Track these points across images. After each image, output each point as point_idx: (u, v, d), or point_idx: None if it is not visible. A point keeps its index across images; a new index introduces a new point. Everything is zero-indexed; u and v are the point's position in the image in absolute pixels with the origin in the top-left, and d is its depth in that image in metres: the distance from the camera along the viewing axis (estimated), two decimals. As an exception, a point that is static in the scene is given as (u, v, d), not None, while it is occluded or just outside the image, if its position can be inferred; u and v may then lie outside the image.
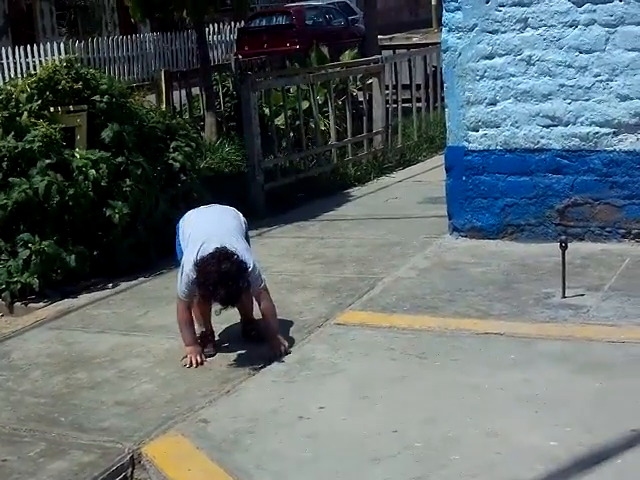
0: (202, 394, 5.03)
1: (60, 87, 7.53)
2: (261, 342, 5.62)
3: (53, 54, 24.23)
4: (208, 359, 5.52)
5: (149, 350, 5.78)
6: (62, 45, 25.43)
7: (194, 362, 5.43)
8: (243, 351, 5.59)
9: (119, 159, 7.45)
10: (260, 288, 5.45)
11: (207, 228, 5.52)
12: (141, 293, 7.04)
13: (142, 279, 7.34)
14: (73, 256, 7.10)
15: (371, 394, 4.83)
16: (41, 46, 25.05)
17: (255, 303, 5.70)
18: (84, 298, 7.00)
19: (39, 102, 7.54)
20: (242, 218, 5.82)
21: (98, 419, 4.84)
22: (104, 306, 6.79)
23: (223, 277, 5.11)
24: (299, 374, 5.18)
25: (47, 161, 7.17)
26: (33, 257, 6.97)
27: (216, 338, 5.75)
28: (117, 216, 7.24)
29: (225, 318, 5.89)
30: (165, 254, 7.46)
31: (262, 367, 5.32)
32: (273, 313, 5.54)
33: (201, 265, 5.20)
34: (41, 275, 6.99)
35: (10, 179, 7.15)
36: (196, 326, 5.70)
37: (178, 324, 5.56)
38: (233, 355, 5.55)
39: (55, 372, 5.55)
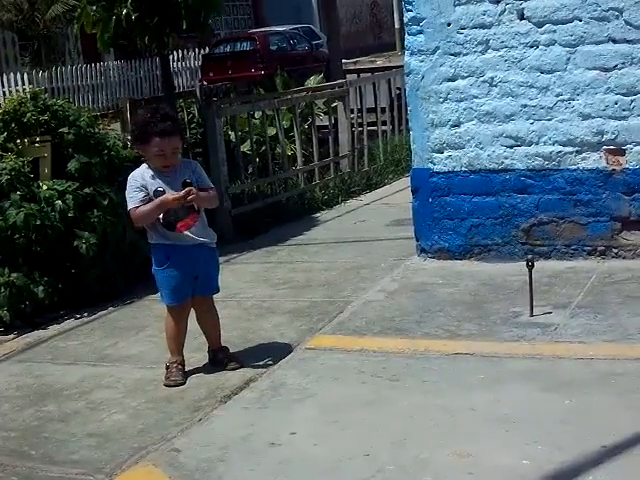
0: (173, 423, 5.01)
1: (25, 119, 7.52)
2: (234, 370, 5.64)
3: (16, 84, 24.16)
4: (179, 387, 5.50)
5: (119, 380, 5.75)
6: (25, 75, 25.35)
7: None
8: (214, 379, 5.57)
9: (86, 190, 7.43)
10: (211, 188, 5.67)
11: None
12: (109, 323, 7.01)
13: (110, 309, 7.31)
14: (41, 287, 7.07)
15: (342, 418, 4.83)
16: (4, 76, 24.96)
17: (220, 328, 5.81)
18: (53, 329, 6.97)
19: (4, 134, 7.53)
20: None
21: (69, 451, 4.81)
22: (73, 337, 6.76)
23: (159, 111, 5.45)
24: (270, 400, 5.17)
25: (19, 193, 7.16)
26: (2, 289, 6.94)
27: (186, 367, 5.73)
28: (84, 246, 7.22)
29: (196, 347, 5.89)
30: (133, 284, 7.47)
31: (233, 394, 5.31)
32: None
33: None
34: (11, 307, 6.97)
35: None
36: (167, 355, 5.71)
37: (140, 221, 5.58)
38: (204, 383, 5.53)
39: (25, 405, 5.51)
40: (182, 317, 5.71)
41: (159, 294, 5.79)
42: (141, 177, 5.50)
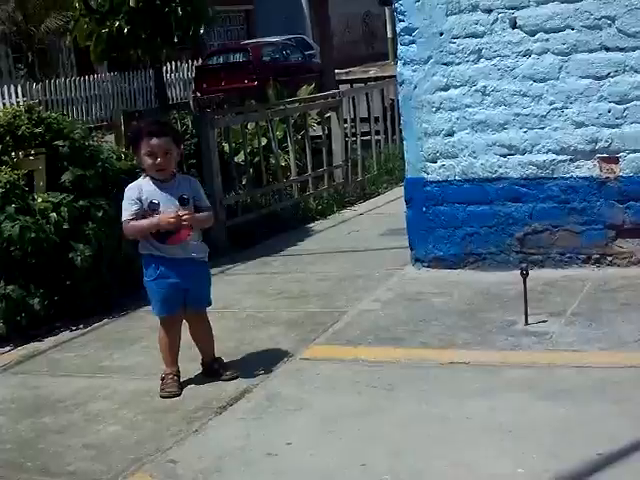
0: (170, 434, 5.01)
1: (20, 132, 7.52)
2: (231, 379, 5.65)
3: (10, 97, 24.19)
4: (175, 398, 5.50)
5: (115, 392, 5.75)
6: (20, 87, 25.37)
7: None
8: (209, 390, 5.57)
9: (81, 202, 7.43)
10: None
11: None
12: (105, 335, 7.01)
13: (106, 320, 7.31)
14: (37, 299, 7.07)
15: (338, 428, 4.83)
16: (-2, 89, 25.01)
17: (214, 340, 5.82)
18: (48, 341, 6.96)
19: (-1, 147, 7.55)
20: None
21: (65, 463, 4.80)
22: (68, 349, 6.75)
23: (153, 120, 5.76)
24: (266, 410, 5.17)
25: (14, 206, 7.16)
26: (-2, 302, 6.94)
27: (182, 378, 5.73)
28: (79, 258, 7.22)
29: (191, 358, 5.89)
30: (128, 295, 7.46)
31: (229, 405, 5.31)
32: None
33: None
34: (6, 319, 6.96)
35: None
36: (162, 366, 5.71)
37: (132, 234, 5.67)
38: (199, 394, 5.53)
39: (21, 417, 5.50)
40: (174, 328, 5.71)
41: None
42: (138, 189, 5.52)
